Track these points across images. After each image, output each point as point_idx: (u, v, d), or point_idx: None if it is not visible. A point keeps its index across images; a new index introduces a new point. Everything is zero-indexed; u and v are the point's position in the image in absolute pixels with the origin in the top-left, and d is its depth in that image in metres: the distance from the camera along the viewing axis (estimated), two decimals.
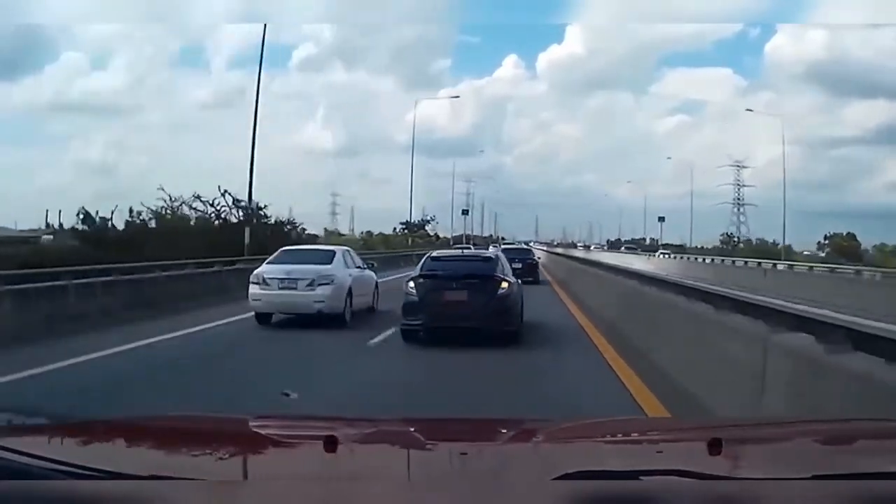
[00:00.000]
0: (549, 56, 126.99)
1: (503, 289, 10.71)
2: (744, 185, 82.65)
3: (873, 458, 1.76)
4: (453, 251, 19.45)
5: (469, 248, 30.18)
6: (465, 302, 10.53)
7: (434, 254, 12.83)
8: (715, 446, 1.63)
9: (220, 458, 1.82)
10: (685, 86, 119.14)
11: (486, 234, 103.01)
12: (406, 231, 67.51)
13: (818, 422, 2.71)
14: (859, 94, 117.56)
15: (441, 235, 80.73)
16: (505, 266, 11.60)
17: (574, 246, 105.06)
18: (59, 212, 46.24)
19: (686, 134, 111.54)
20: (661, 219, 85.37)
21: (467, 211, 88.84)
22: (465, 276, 10.94)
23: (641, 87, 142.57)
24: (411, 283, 10.84)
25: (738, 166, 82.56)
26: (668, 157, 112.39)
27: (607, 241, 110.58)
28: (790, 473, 1.55)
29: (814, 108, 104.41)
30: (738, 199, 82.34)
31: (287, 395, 3.69)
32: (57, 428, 1.90)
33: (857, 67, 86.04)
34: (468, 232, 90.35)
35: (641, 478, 1.44)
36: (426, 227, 76.59)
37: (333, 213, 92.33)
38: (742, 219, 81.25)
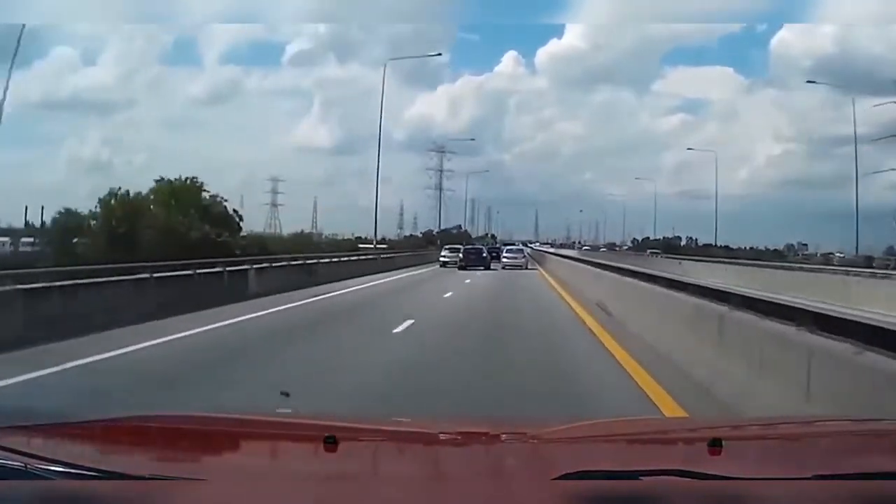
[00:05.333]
0: (550, 52, 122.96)
1: (485, 253, 42.95)
2: None
3: (874, 457, 1.76)
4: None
5: None
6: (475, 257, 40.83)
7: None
8: (715, 446, 1.63)
9: (220, 458, 1.83)
10: (688, 83, 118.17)
11: (480, 232, 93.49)
12: None
13: (819, 421, 2.71)
14: (867, 91, 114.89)
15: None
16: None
17: (613, 248, 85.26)
18: (42, 208, 46.89)
19: (688, 131, 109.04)
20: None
21: (441, 189, 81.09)
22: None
23: (644, 84, 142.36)
24: (461, 253, 41.87)
25: None
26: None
27: (633, 240, 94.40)
28: (791, 473, 1.55)
29: (820, 105, 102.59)
30: None
31: (287, 394, 3.70)
32: (57, 428, 1.89)
33: (865, 64, 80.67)
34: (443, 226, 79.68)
35: (641, 478, 1.44)
36: None
37: (274, 205, 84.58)
38: None
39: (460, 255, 41.64)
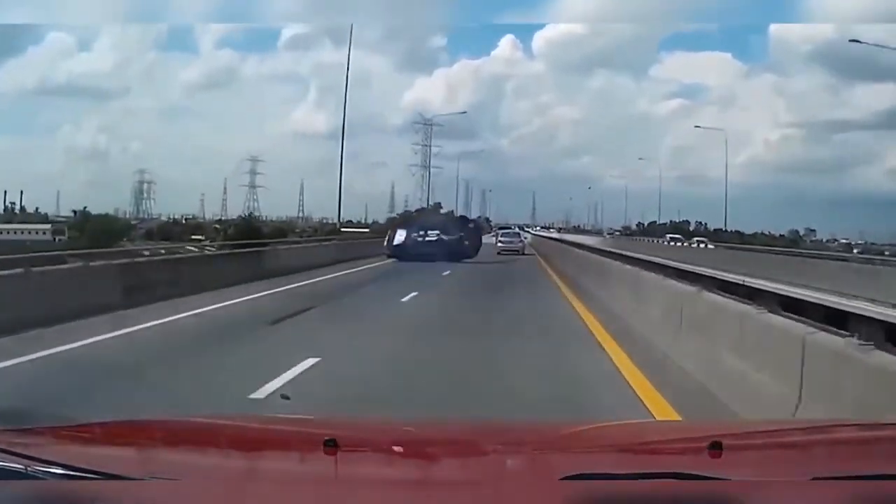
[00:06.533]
0: (547, 36, 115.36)
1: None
2: None
3: (873, 460, 1.76)
4: None
5: None
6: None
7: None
8: (716, 449, 1.63)
9: (220, 460, 1.82)
10: (686, 68, 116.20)
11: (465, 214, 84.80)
12: None
13: (818, 424, 2.70)
14: (867, 76, 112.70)
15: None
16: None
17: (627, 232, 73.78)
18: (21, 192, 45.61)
19: (687, 116, 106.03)
20: None
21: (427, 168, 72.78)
22: None
23: (642, 69, 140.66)
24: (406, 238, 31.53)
25: None
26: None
27: (638, 224, 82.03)
28: (790, 476, 1.55)
29: (819, 90, 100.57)
30: None
31: (287, 398, 3.69)
32: (57, 429, 1.90)
33: (865, 49, 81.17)
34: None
35: (642, 480, 1.44)
36: None
37: (252, 186, 77.54)
38: None
39: (403, 240, 30.90)
